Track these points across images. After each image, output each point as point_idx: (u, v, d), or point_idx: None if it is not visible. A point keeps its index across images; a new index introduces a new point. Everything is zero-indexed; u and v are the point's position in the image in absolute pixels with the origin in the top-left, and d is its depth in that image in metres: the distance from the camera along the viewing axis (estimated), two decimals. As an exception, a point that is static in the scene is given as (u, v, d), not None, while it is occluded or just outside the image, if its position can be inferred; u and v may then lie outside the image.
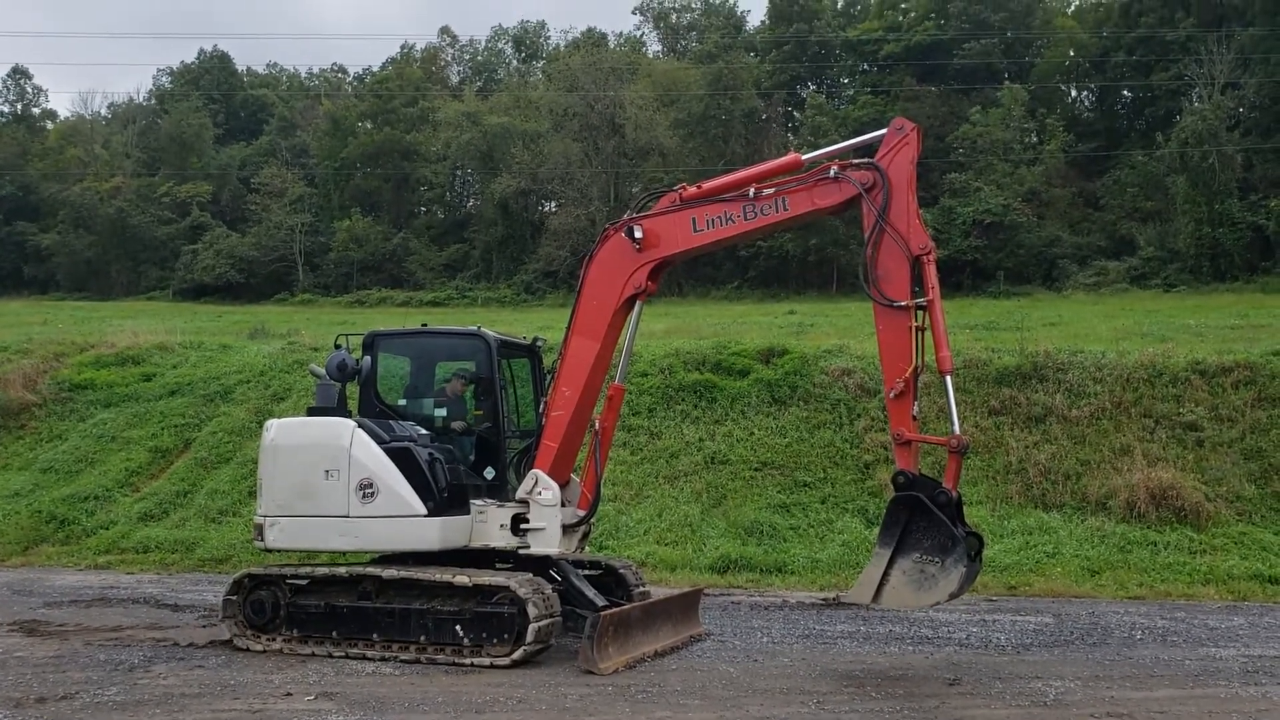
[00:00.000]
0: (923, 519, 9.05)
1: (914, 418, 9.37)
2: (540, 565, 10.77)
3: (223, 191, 71.21)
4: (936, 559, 8.94)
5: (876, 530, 9.51)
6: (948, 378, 9.37)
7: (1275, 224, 46.15)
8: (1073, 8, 69.54)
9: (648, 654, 10.29)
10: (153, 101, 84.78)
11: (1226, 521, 16.89)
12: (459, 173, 71.63)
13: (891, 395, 9.44)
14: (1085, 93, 66.92)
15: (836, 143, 11.94)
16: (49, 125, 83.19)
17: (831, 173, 10.02)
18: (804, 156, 10.74)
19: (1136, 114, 62.75)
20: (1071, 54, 64.07)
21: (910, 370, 9.34)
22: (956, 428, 9.25)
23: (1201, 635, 11.88)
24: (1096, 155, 57.39)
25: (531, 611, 9.63)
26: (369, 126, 72.14)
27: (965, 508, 9.64)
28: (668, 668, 9.90)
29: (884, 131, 10.11)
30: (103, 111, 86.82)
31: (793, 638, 11.58)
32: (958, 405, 9.62)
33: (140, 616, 12.74)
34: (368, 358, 11.32)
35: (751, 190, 10.33)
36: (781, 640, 11.41)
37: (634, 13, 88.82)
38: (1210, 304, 37.98)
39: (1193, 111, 51.14)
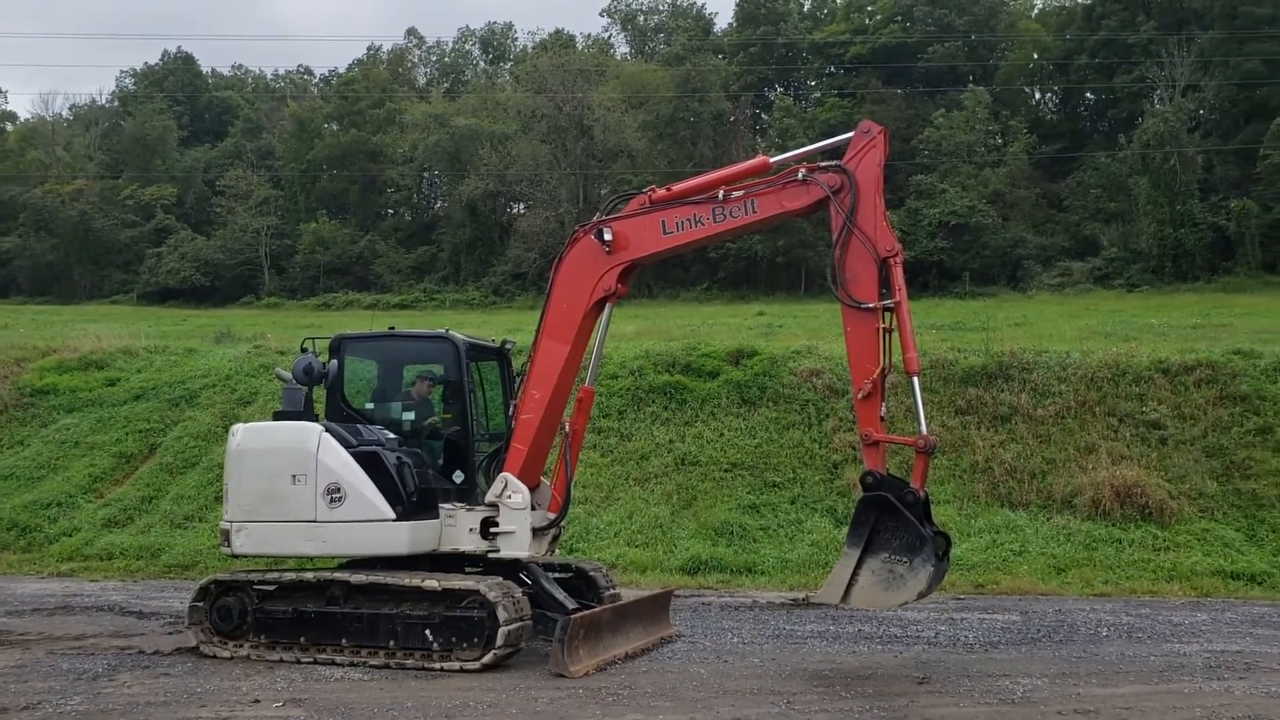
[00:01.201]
0: (891, 519, 9.11)
1: (882, 418, 9.42)
2: (510, 568, 10.74)
3: (187, 194, 70.56)
4: (905, 558, 8.99)
5: (845, 530, 9.56)
6: (915, 378, 9.44)
7: (1236, 225, 46.86)
8: (1036, 11, 70.32)
9: (618, 656, 10.28)
10: (115, 103, 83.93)
11: (1189, 518, 17.11)
12: (426, 174, 71.37)
13: (859, 396, 9.48)
14: (1049, 95, 67.68)
15: (804, 145, 12.02)
16: (8, 127, 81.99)
17: (800, 175, 10.06)
18: (772, 159, 10.77)
19: (1099, 116, 63.51)
20: (1035, 57, 64.75)
21: (878, 371, 9.39)
22: (924, 428, 9.31)
23: (1166, 631, 12.02)
24: (1060, 157, 58.03)
25: (501, 615, 9.59)
26: (335, 128, 71.73)
27: (933, 507, 9.71)
28: (638, 669, 9.90)
29: (851, 134, 10.16)
30: (64, 113, 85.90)
31: (763, 638, 11.61)
32: (925, 405, 9.69)
33: (104, 624, 12.57)
34: (334, 361, 11.24)
35: (721, 192, 10.35)
36: (752, 640, 11.43)
37: (602, 14, 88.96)
38: (1172, 304, 38.50)
39: (1154, 114, 51.88)
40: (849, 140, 10.12)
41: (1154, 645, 11.19)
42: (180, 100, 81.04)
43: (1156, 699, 8.73)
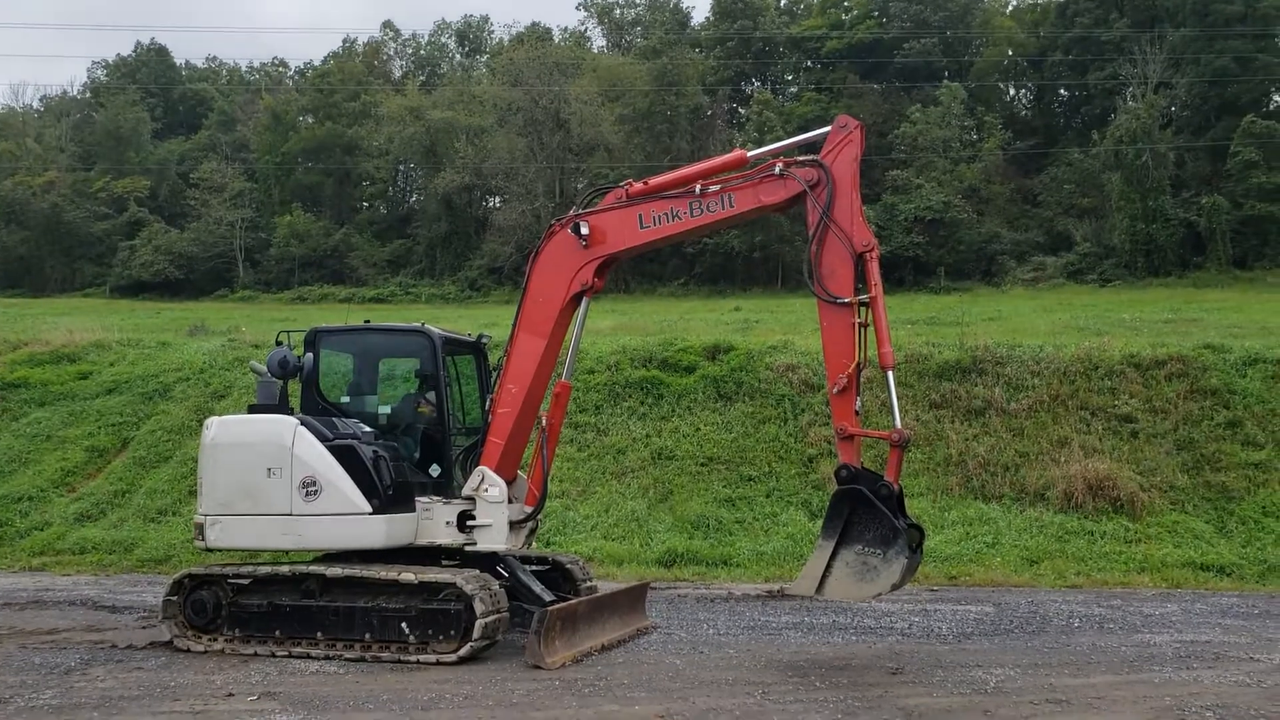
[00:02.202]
0: (865, 511, 9.17)
1: (856, 412, 9.47)
2: (487, 561, 10.74)
3: (161, 187, 69.96)
4: (878, 551, 9.06)
5: (820, 523, 9.61)
6: (890, 373, 9.51)
7: (1207, 220, 47.33)
8: (1010, 8, 70.73)
9: (595, 648, 10.32)
10: (87, 95, 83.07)
11: (1160, 511, 17.30)
12: (402, 168, 71.11)
13: (835, 391, 9.53)
14: (1023, 91, 68.09)
15: (781, 139, 12.04)
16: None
17: (777, 170, 10.09)
18: (749, 153, 10.78)
19: (1073, 112, 63.95)
20: (1009, 53, 65.13)
21: (853, 366, 9.44)
22: (898, 422, 9.38)
23: (1137, 622, 12.16)
24: (1034, 153, 58.42)
25: (478, 608, 9.60)
26: (310, 121, 71.31)
27: (907, 500, 9.77)
28: (615, 661, 9.93)
29: (828, 129, 10.20)
30: (35, 104, 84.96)
31: (738, 629, 11.67)
32: (899, 399, 9.76)
33: (77, 618, 12.49)
34: (310, 354, 11.21)
35: (698, 187, 10.37)
36: (727, 632, 11.49)
37: (578, 8, 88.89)
38: (1144, 298, 38.87)
39: (1127, 110, 52.30)
40: (826, 135, 10.16)
41: (1125, 636, 11.32)
42: (153, 92, 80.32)
43: (1127, 688, 8.84)
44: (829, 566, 9.20)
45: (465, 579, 9.77)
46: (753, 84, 70.29)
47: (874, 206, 50.17)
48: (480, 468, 10.67)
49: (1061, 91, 64.72)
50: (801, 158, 10.20)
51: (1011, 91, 67.97)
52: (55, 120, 79.29)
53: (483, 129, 62.55)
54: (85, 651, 10.45)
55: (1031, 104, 67.26)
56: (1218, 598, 14.13)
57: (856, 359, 9.46)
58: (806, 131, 11.28)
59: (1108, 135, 51.47)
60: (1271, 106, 55.14)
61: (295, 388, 11.29)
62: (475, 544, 10.61)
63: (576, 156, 60.17)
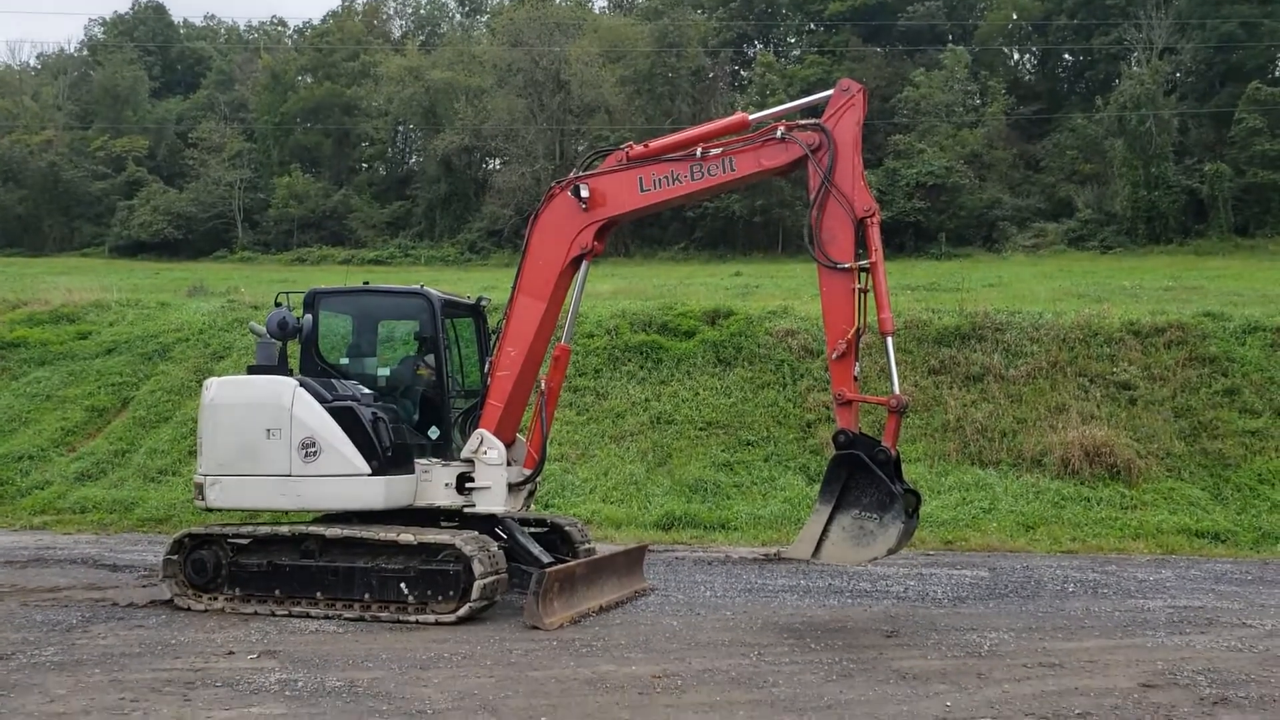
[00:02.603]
0: (862, 477, 9.20)
1: (855, 378, 9.48)
2: (486, 523, 10.80)
3: (159, 146, 69.59)
4: (875, 515, 9.11)
5: (817, 487, 9.65)
6: (889, 339, 9.51)
7: (1209, 188, 47.12)
8: (1016, -30, 69.92)
9: (592, 609, 10.40)
10: (85, 52, 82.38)
11: (1156, 477, 17.37)
12: (401, 128, 70.64)
13: (834, 356, 9.53)
14: (1027, 56, 67.53)
15: (783, 102, 11.96)
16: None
17: (778, 133, 10.03)
18: (751, 116, 10.71)
19: (1077, 77, 63.51)
20: (1014, 17, 64.51)
21: (852, 332, 9.43)
22: (896, 388, 9.39)
23: (1131, 588, 12.24)
24: (1037, 118, 58.04)
25: (477, 568, 9.66)
26: (309, 81, 70.79)
27: (904, 465, 9.81)
28: (612, 622, 10.01)
29: (830, 92, 10.13)
30: (32, 62, 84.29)
31: (735, 592, 11.75)
32: (898, 365, 9.77)
33: (78, 577, 12.58)
34: (309, 316, 11.21)
35: (699, 150, 10.32)
36: (724, 594, 11.57)
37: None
38: (1145, 266, 38.79)
39: (1131, 76, 51.88)
40: (828, 98, 10.09)
41: (1118, 601, 11.40)
42: (151, 50, 79.64)
43: (1119, 652, 8.92)
44: (826, 531, 9.25)
45: (464, 540, 9.82)
46: (755, 46, 69.72)
47: (876, 171, 49.94)
48: (479, 430, 10.70)
49: (1066, 56, 64.21)
50: (803, 121, 10.14)
51: (1015, 56, 67.44)
52: (52, 78, 78.70)
53: (482, 90, 62.09)
54: (86, 609, 10.53)
55: (1035, 68, 66.75)
56: (1212, 564, 14.22)
57: (856, 324, 9.45)
58: (809, 94, 11.20)
59: (1111, 101, 51.12)
60: (1277, 73, 54.74)
61: (294, 349, 11.29)
62: (474, 506, 10.65)
63: (577, 118, 59.78)
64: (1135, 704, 7.26)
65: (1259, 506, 16.57)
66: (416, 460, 10.70)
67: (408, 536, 9.95)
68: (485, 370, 11.10)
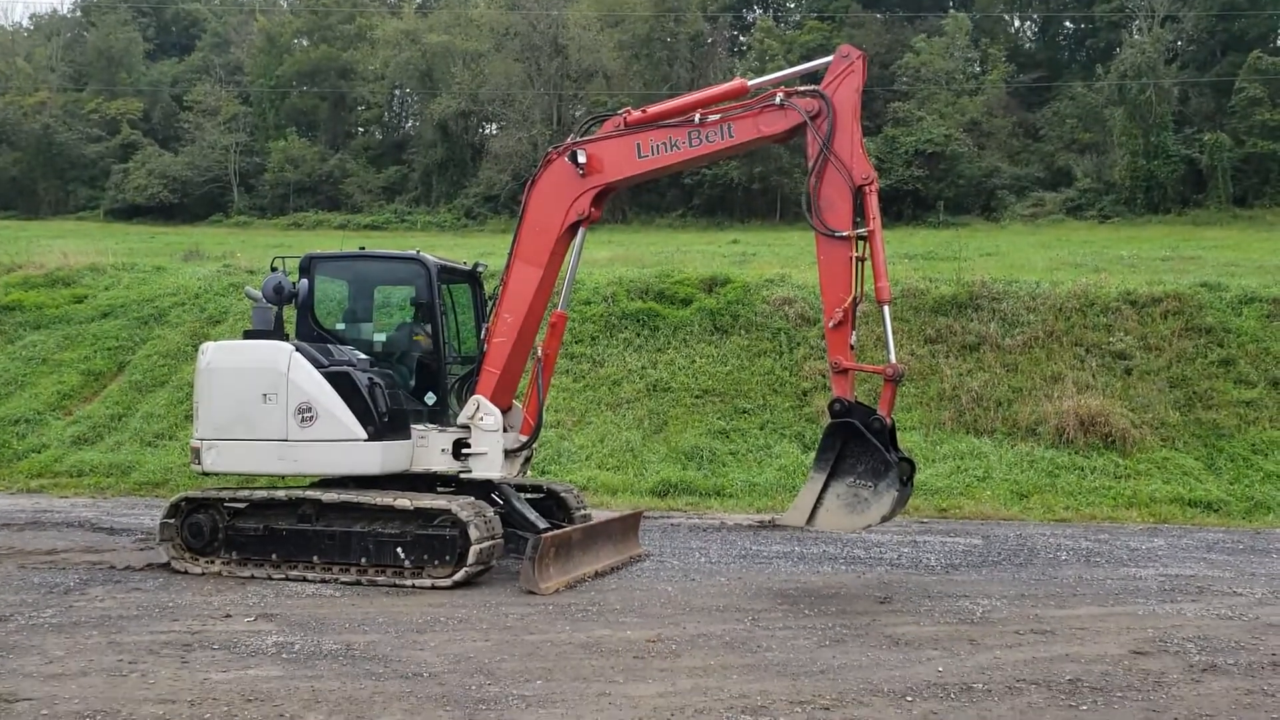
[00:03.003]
0: (857, 445, 9.22)
1: (851, 346, 9.48)
2: (482, 489, 10.84)
3: (154, 109, 69.10)
4: (869, 483, 9.14)
5: (813, 455, 9.68)
6: (885, 308, 9.50)
7: (1208, 158, 46.97)
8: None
9: (588, 574, 10.45)
10: (78, 13, 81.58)
11: (1151, 447, 17.44)
12: (397, 93, 70.15)
13: (830, 324, 9.52)
14: (1028, 23, 67.11)
15: (783, 68, 11.88)
16: (-34, 35, 79.72)
17: (777, 100, 9.96)
18: (750, 83, 10.65)
19: (1078, 45, 63.14)
20: (1016, -18, 64.12)
21: (849, 300, 9.42)
22: (893, 356, 9.39)
23: (1123, 556, 12.32)
24: (1037, 86, 57.74)
25: (473, 534, 9.70)
26: (305, 44, 70.20)
27: (899, 433, 9.85)
28: (607, 587, 10.07)
29: (830, 59, 10.06)
30: (24, 22, 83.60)
31: (730, 558, 11.81)
32: (895, 334, 9.77)
33: (75, 540, 12.62)
34: (304, 281, 11.18)
35: (697, 116, 10.26)
36: (719, 560, 11.64)
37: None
38: (1143, 235, 38.76)
39: (1132, 44, 51.57)
40: (828, 65, 10.03)
41: (1111, 569, 11.47)
42: (145, 12, 78.87)
43: (1111, 620, 8.99)
44: (820, 498, 9.28)
45: (460, 505, 9.86)
46: (755, 11, 69.19)
47: (874, 139, 49.71)
48: (476, 396, 10.70)
49: (1067, 24, 63.79)
50: (802, 88, 10.07)
51: (1016, 23, 67.01)
52: (45, 40, 77.99)
53: (479, 54, 61.63)
54: (84, 572, 10.57)
55: (1036, 35, 66.35)
56: (1204, 533, 14.31)
57: (853, 293, 9.44)
58: (808, 61, 11.12)
59: (1112, 69, 50.84)
60: (1279, 42, 54.44)
61: (290, 314, 11.28)
62: (470, 472, 10.68)
63: (575, 83, 59.40)
64: (1125, 670, 7.33)
65: (1252, 477, 16.65)
66: (413, 426, 10.71)
67: (404, 501, 9.98)
68: (482, 336, 11.10)
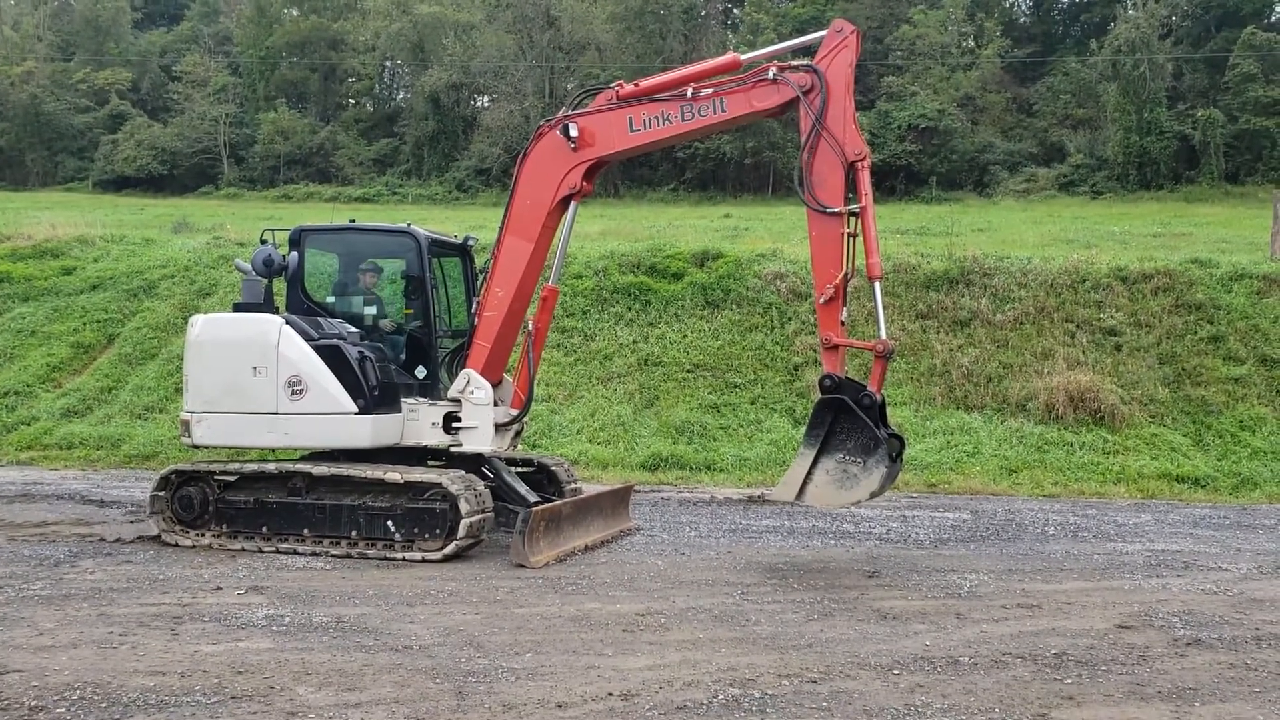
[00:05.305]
0: (847, 420, 9.25)
1: (842, 322, 9.48)
2: (473, 463, 10.85)
3: (143, 79, 68.59)
4: (859, 459, 9.17)
5: (803, 431, 9.71)
6: (877, 284, 9.50)
7: (1201, 134, 46.97)
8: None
9: (578, 548, 10.48)
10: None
11: (1139, 423, 17.52)
12: (388, 64, 69.70)
13: (821, 300, 9.52)
14: (1023, -3, 66.92)
15: (776, 42, 11.83)
16: (-48, 3, 78.94)
17: (770, 74, 9.92)
18: (743, 56, 10.61)
19: (1073, 20, 62.94)
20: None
21: (841, 276, 9.41)
22: (883, 333, 9.41)
23: (1110, 531, 12.39)
24: (1031, 61, 57.59)
25: (463, 507, 9.71)
26: (295, 14, 69.66)
27: (889, 409, 9.87)
28: (597, 561, 10.10)
29: (823, 33, 10.02)
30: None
31: (719, 532, 11.86)
32: (886, 310, 9.78)
33: (66, 512, 12.61)
34: (294, 253, 11.13)
35: (689, 90, 10.22)
36: (709, 534, 11.68)
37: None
38: (1135, 212, 38.80)
39: (1126, 19, 51.45)
40: (821, 39, 9.98)
41: (1098, 544, 11.54)
42: (133, -20, 78.19)
43: (1097, 594, 9.05)
44: (810, 473, 9.31)
45: (451, 479, 9.87)
46: (748, -16, 68.73)
47: (868, 113, 49.60)
48: (466, 370, 10.69)
49: (1062, -2, 63.62)
50: (796, 62, 10.03)
51: (1012, -3, 66.82)
52: (32, 8, 77.21)
53: (471, 25, 61.26)
54: (74, 544, 10.57)
55: (1031, 10, 66.10)
56: (1191, 509, 14.40)
57: (844, 269, 9.44)
58: (802, 35, 11.06)
59: (1106, 45, 50.73)
60: (1273, 18, 54.35)
61: (280, 287, 11.24)
62: (461, 445, 10.69)
63: (567, 55, 59.07)
64: (1110, 644, 7.39)
65: (1239, 453, 16.75)
66: (403, 399, 10.70)
67: (395, 475, 9.98)
68: (472, 310, 11.08)
